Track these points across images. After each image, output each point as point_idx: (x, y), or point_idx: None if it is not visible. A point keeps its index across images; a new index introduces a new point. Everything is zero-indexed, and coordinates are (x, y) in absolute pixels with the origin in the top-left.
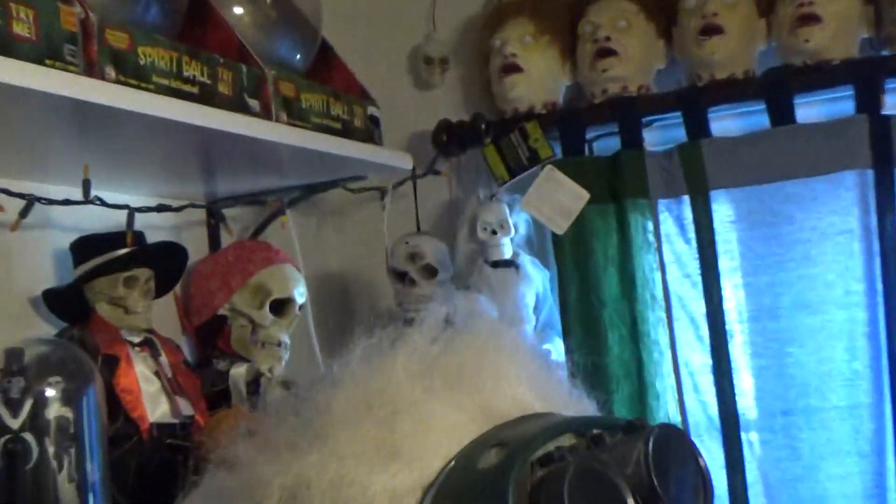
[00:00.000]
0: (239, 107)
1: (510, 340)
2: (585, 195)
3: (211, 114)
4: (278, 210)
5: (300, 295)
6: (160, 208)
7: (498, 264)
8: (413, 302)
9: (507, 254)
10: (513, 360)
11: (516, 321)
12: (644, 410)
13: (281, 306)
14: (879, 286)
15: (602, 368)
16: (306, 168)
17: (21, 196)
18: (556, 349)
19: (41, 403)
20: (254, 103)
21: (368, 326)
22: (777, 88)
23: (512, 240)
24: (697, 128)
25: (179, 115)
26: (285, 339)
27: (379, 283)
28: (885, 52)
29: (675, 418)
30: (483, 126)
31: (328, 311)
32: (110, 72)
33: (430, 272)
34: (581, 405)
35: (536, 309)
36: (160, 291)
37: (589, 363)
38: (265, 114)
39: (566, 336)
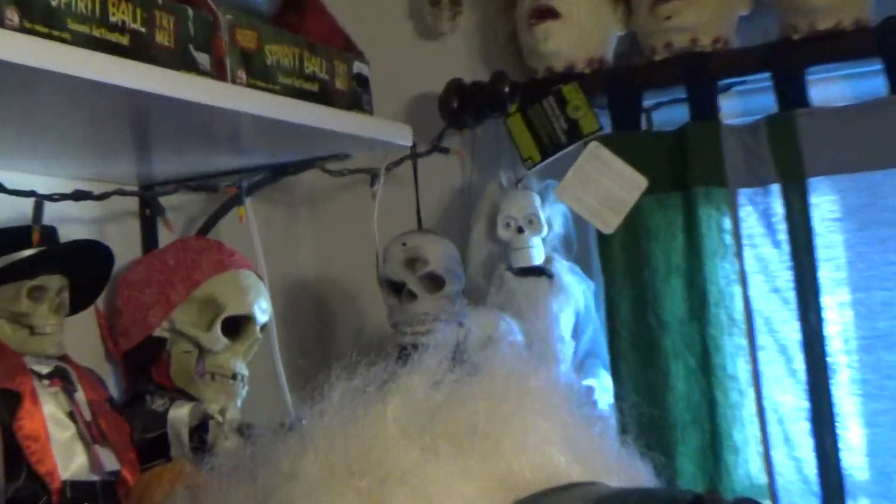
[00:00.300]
0: (182, 62)
1: (539, 381)
2: (642, 182)
3: (145, 72)
4: (234, 198)
5: (262, 312)
6: (77, 195)
7: (525, 272)
8: (412, 323)
9: (538, 259)
10: (542, 410)
11: (548, 351)
12: (718, 472)
13: (237, 326)
14: None
15: (662, 414)
16: (271, 144)
17: None
18: (601, 387)
19: None
20: (202, 58)
21: (351, 359)
22: None
23: (544, 240)
24: (792, 94)
25: (103, 73)
26: (242, 369)
27: (367, 298)
28: None
29: (760, 481)
30: (507, 89)
31: (299, 333)
32: (12, 16)
33: (435, 283)
34: (632, 470)
35: (576, 332)
36: (77, 306)
37: (645, 406)
38: (217, 72)
39: (615, 369)
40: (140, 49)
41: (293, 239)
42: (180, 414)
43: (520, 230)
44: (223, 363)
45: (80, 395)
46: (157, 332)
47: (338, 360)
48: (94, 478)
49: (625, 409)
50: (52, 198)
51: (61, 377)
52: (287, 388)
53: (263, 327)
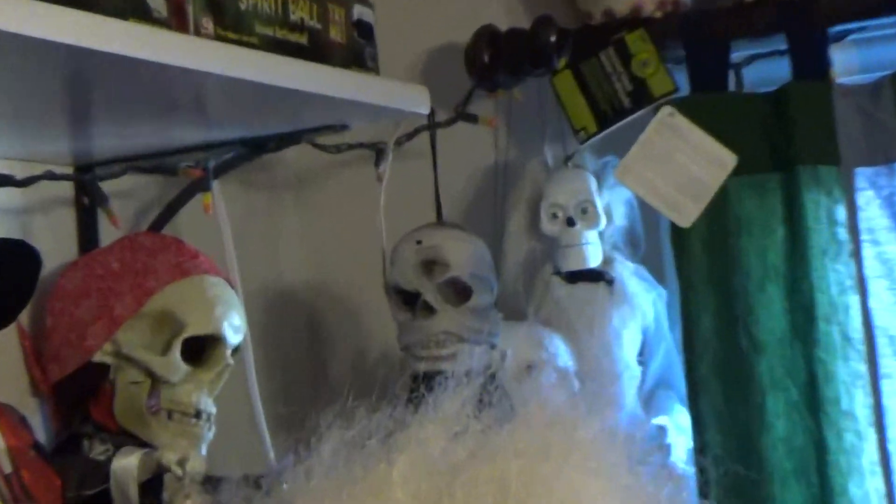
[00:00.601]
0: (131, 8)
1: (592, 430)
2: (730, 159)
3: (82, 22)
4: (198, 183)
5: (234, 330)
6: None
7: (578, 278)
8: (428, 345)
9: (594, 259)
10: (594, 469)
11: (606, 382)
12: None
13: (201, 349)
14: None
15: (756, 462)
16: (246, 112)
17: None
18: (676, 426)
19: None
20: (156, 2)
21: (347, 398)
22: None
23: (601, 235)
24: None
25: (25, 24)
26: (208, 406)
27: (370, 312)
28: None
29: None
30: (553, 38)
31: (283, 359)
32: None
33: (459, 293)
34: None
35: (643, 355)
36: None
37: (733, 453)
38: (176, 20)
39: (694, 403)
40: None
41: (275, 236)
42: (127, 464)
43: (570, 222)
44: (183, 397)
45: None
46: (98, 357)
47: (331, 394)
48: None
49: (707, 458)
50: None
51: None
52: (266, 430)
53: (236, 351)
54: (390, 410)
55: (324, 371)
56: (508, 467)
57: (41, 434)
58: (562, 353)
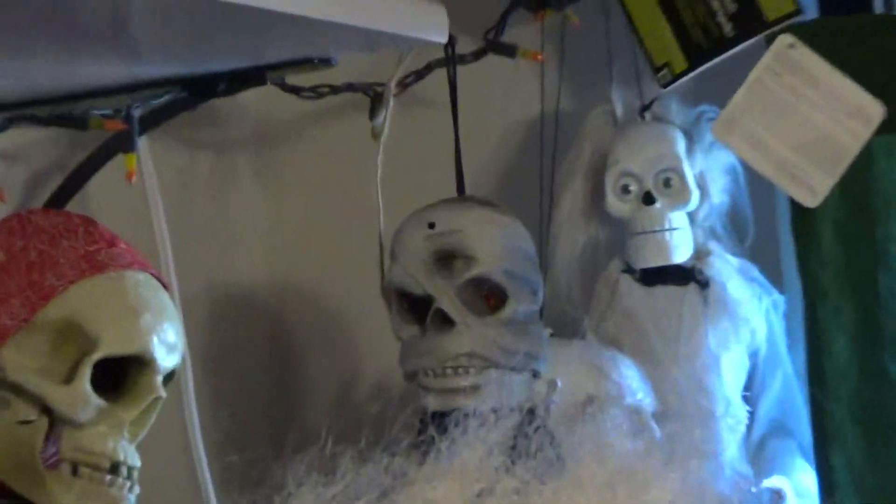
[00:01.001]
0: None
1: (671, 487)
2: (876, 110)
3: None
4: (117, 140)
5: (166, 349)
6: None
7: (658, 278)
8: (444, 371)
9: (681, 252)
10: None
11: (696, 424)
12: None
13: (121, 375)
14: None
15: None
16: (187, 38)
17: None
18: (797, 489)
19: None
20: None
21: (326, 442)
22: None
23: (692, 218)
24: None
25: None
26: (129, 456)
27: (362, 323)
28: None
29: None
30: None
31: (236, 388)
32: None
33: (489, 297)
34: None
35: (751, 387)
36: None
37: None
38: None
39: (823, 458)
40: None
41: (227, 216)
42: None
43: (648, 199)
44: (95, 445)
45: None
46: None
47: (304, 439)
48: None
49: None
50: None
51: None
52: (212, 489)
53: (169, 377)
54: (387, 460)
55: (294, 406)
56: None
57: None
58: (633, 383)
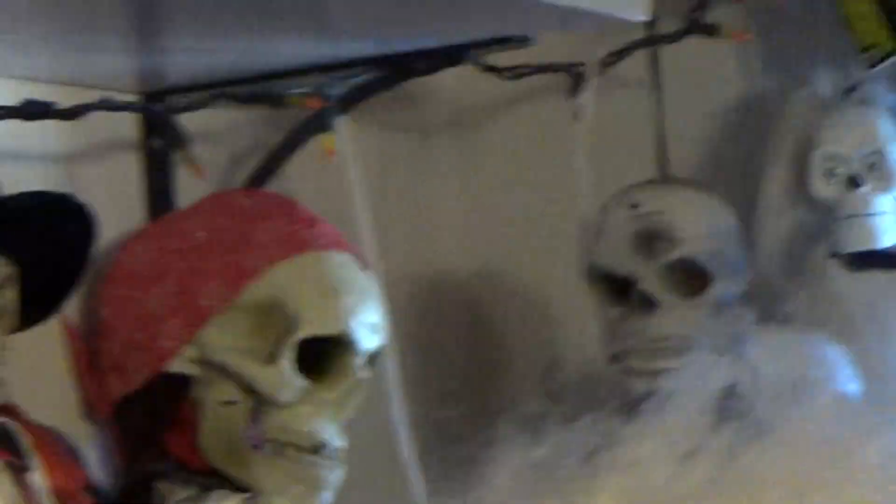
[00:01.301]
0: None
1: (879, 454)
2: None
3: None
4: (316, 119)
5: (368, 330)
6: (29, 111)
7: (866, 262)
8: (648, 354)
9: (888, 237)
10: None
11: None
12: None
13: (323, 357)
14: None
15: None
16: (385, 16)
17: None
18: None
19: None
20: None
21: (529, 408)
22: None
23: None
24: None
25: None
26: (332, 437)
27: (560, 305)
28: None
29: None
30: None
31: (437, 370)
32: None
33: (694, 278)
34: None
35: None
36: (32, 315)
37: None
38: None
39: None
40: None
41: (428, 196)
42: None
43: (854, 182)
44: (298, 425)
45: (37, 478)
46: (177, 366)
47: (504, 413)
48: None
49: None
50: None
51: (2, 444)
52: (416, 468)
53: (373, 359)
54: (592, 420)
55: (494, 388)
56: (761, 501)
57: (98, 470)
58: (841, 370)
